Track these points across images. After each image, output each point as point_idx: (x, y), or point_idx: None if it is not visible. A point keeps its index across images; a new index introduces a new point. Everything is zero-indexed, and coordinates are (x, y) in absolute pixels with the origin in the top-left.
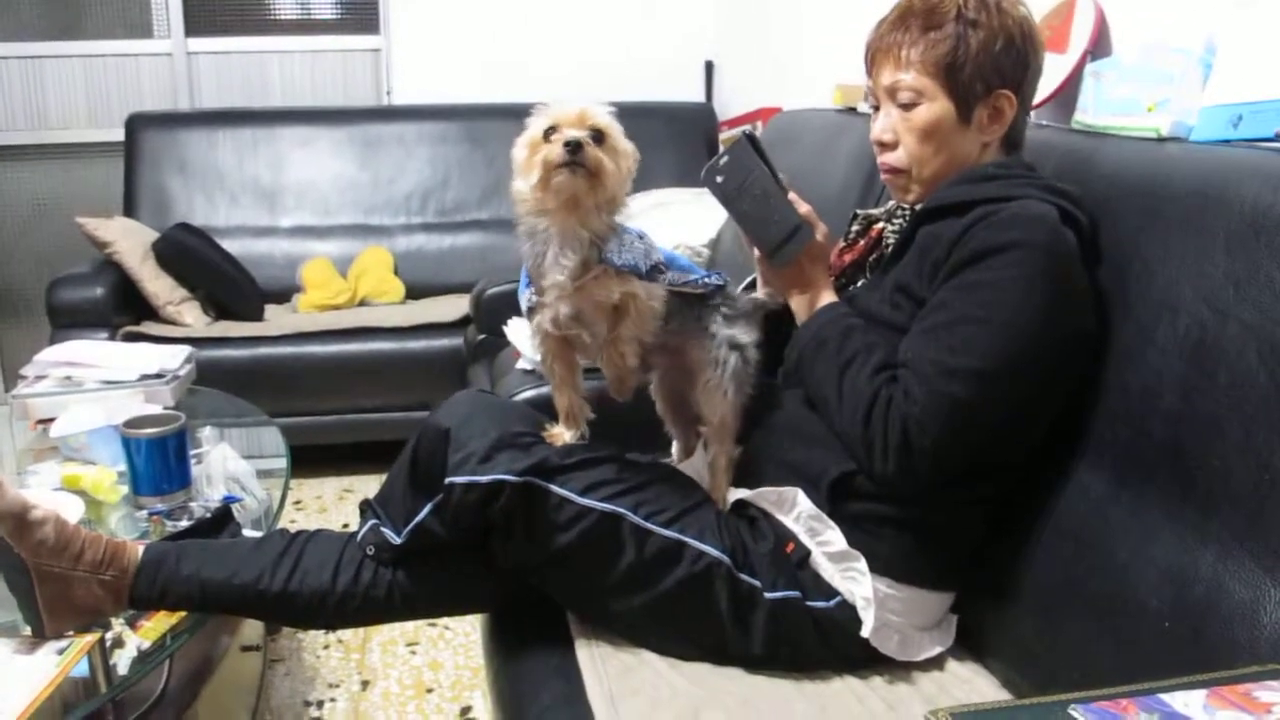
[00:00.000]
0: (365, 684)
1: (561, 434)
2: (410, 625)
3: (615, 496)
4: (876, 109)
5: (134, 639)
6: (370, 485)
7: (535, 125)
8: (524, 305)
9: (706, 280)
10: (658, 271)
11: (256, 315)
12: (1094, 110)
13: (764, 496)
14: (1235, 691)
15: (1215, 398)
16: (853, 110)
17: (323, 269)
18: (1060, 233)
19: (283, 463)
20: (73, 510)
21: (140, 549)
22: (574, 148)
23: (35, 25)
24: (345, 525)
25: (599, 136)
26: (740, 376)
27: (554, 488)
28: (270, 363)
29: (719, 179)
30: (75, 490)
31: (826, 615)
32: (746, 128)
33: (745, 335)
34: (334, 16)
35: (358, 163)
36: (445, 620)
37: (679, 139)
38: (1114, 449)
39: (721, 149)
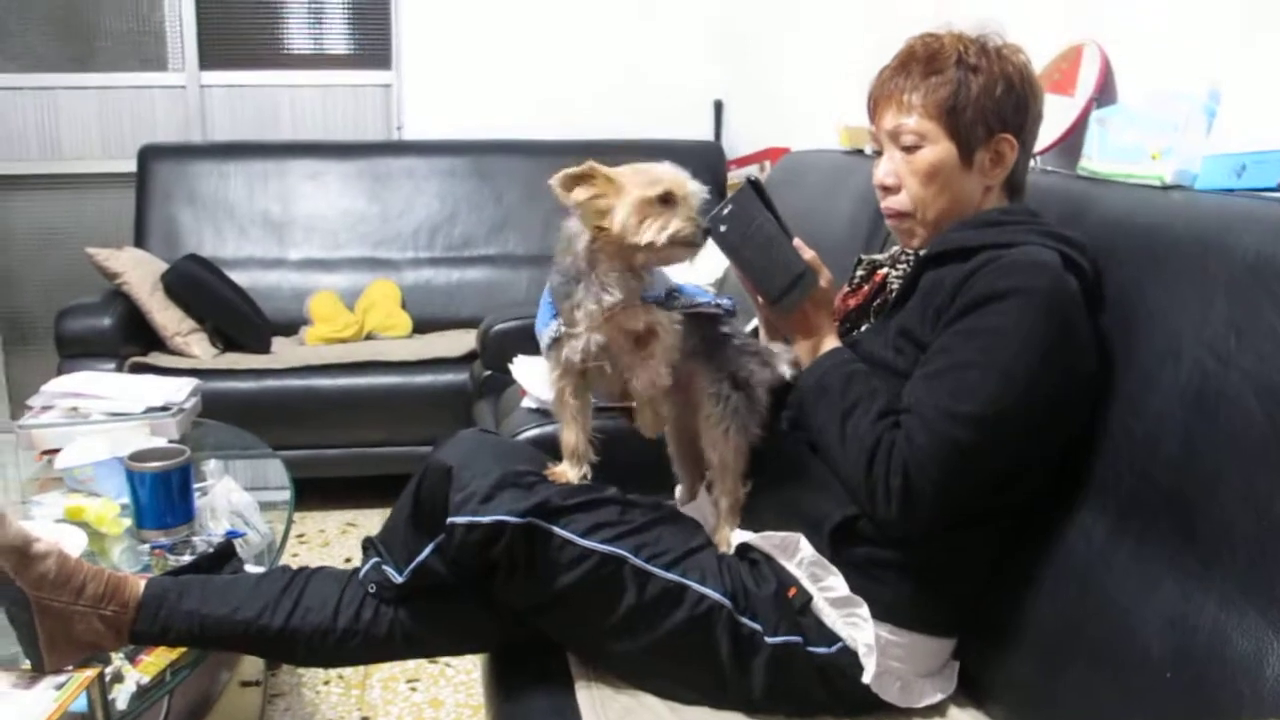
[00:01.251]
0: None
1: (565, 472)
2: (411, 662)
3: (617, 538)
4: (879, 154)
5: (134, 674)
6: (374, 519)
7: (639, 185)
8: (545, 339)
9: (717, 303)
10: (672, 298)
11: (263, 347)
12: (1099, 157)
13: (767, 540)
14: None
15: (1217, 445)
16: (859, 152)
17: (330, 302)
18: (1063, 279)
19: (286, 495)
20: (75, 543)
21: (141, 584)
22: (705, 232)
23: (50, 57)
24: (348, 560)
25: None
26: (743, 416)
27: (556, 529)
28: (276, 395)
29: (722, 229)
30: (78, 522)
31: (828, 661)
32: (750, 174)
33: (753, 376)
34: (346, 52)
35: (367, 196)
36: (446, 658)
37: None
38: (1117, 494)
39: (727, 194)
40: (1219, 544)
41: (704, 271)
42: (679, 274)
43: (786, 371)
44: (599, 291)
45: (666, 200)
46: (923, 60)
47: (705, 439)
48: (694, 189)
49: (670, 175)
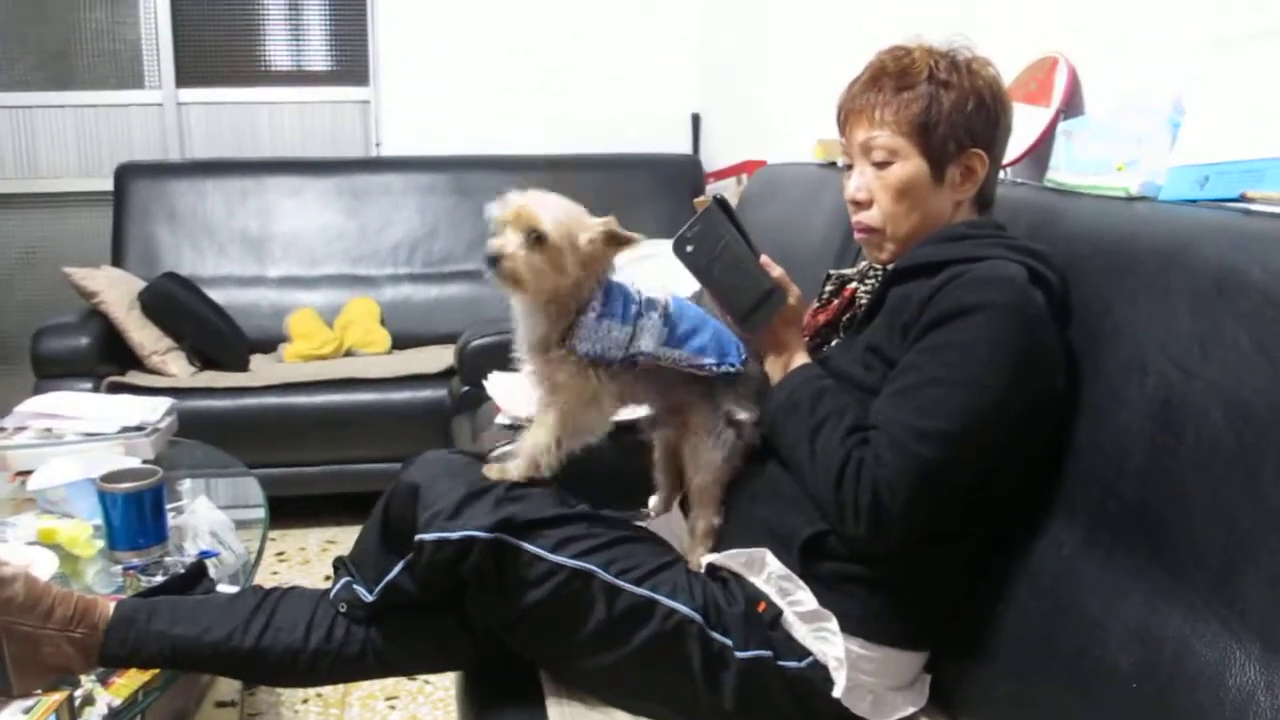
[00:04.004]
0: None
1: (506, 471)
2: (389, 680)
3: (586, 554)
4: (849, 168)
5: (105, 696)
6: (353, 537)
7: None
8: None
9: (714, 367)
10: (636, 358)
11: (242, 365)
12: (1066, 168)
13: (733, 559)
14: None
15: (1182, 457)
16: (833, 165)
17: (309, 319)
18: (1029, 293)
19: (261, 514)
20: (45, 566)
21: (111, 606)
22: (492, 261)
23: (28, 76)
24: (327, 577)
25: (539, 236)
26: (732, 450)
27: (524, 544)
28: (255, 413)
29: (689, 249)
30: (51, 544)
31: (798, 675)
32: (716, 193)
33: (745, 412)
34: (324, 69)
35: (345, 213)
36: (424, 675)
37: (666, 190)
38: (1085, 506)
39: (695, 213)
40: (1185, 556)
41: (681, 285)
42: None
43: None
44: (524, 331)
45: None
46: (894, 75)
47: (691, 465)
48: (513, 215)
49: (504, 205)
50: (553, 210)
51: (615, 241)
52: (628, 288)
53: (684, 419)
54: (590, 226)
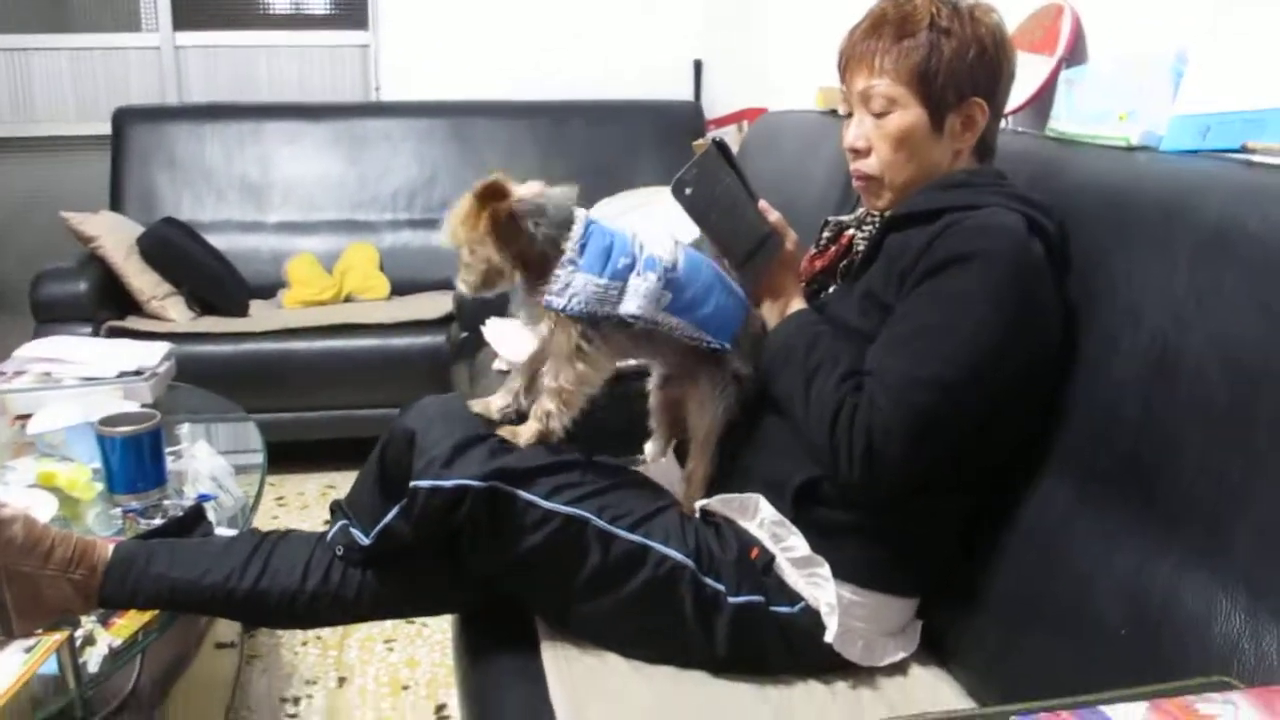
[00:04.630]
0: (342, 680)
1: (518, 434)
2: (388, 623)
3: (580, 500)
4: (849, 115)
5: (106, 637)
6: (352, 482)
7: None
8: None
9: (709, 343)
10: (628, 320)
11: (241, 311)
12: (1067, 118)
13: (727, 504)
14: (1177, 704)
15: (1176, 411)
16: (834, 113)
17: (308, 265)
18: (1027, 242)
19: (260, 458)
20: (45, 509)
21: (110, 548)
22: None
23: (22, 17)
24: (326, 522)
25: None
26: (732, 400)
27: (519, 492)
28: (254, 359)
29: (688, 190)
30: (50, 488)
31: (790, 620)
32: (715, 135)
33: (746, 367)
34: (323, 12)
35: (345, 159)
36: (422, 618)
37: (666, 137)
38: (1079, 459)
39: (694, 156)
40: (1176, 507)
41: (680, 231)
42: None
43: None
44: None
45: None
46: (895, 22)
47: (695, 416)
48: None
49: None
50: (448, 225)
51: (490, 197)
52: (624, 239)
53: (693, 379)
54: (466, 210)
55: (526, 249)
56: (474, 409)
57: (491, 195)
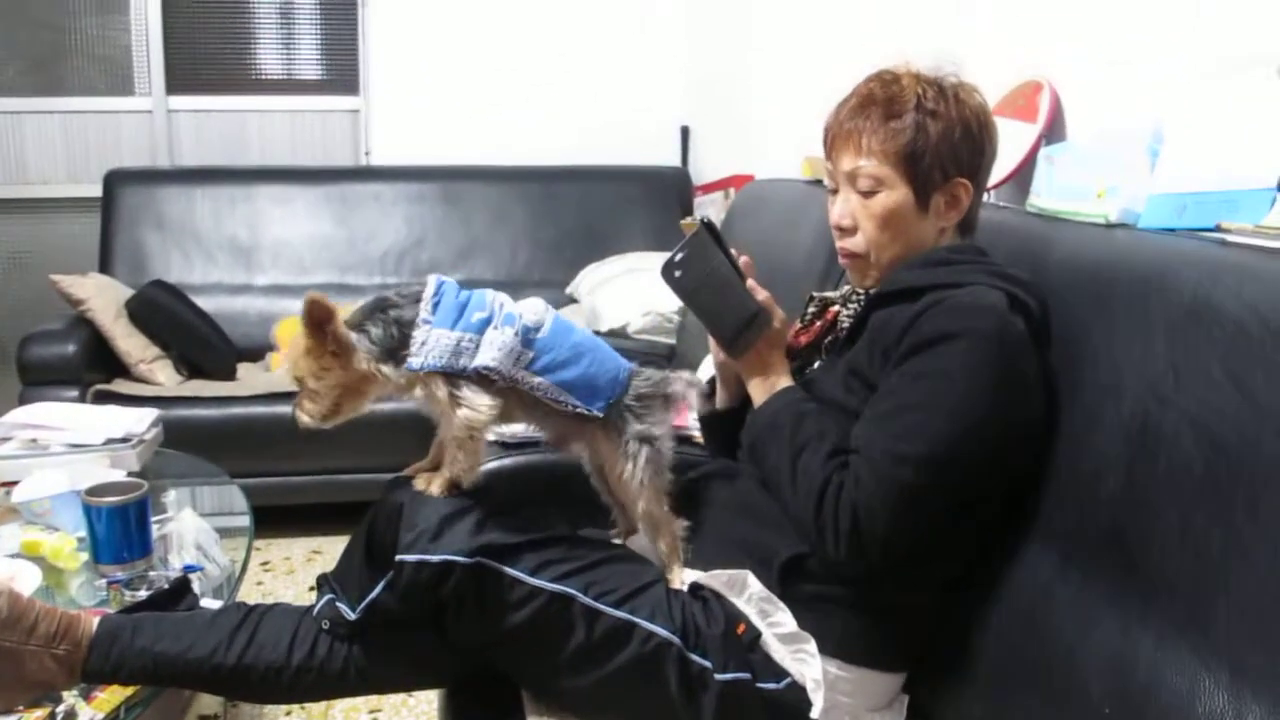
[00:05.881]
0: None
1: (431, 482)
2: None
3: (566, 576)
4: (834, 192)
5: (88, 711)
6: (339, 547)
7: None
8: None
9: (573, 406)
10: (461, 371)
11: (229, 374)
12: (1047, 194)
13: (715, 578)
14: None
15: (1155, 483)
16: (819, 183)
17: (297, 328)
18: (1009, 320)
19: (245, 520)
20: (29, 580)
21: (94, 622)
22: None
23: (15, 81)
24: (313, 589)
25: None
26: (655, 465)
27: (505, 568)
28: (241, 422)
29: (677, 274)
30: (34, 557)
31: (777, 697)
32: (703, 216)
33: (657, 428)
34: (315, 78)
35: (334, 222)
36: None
37: (654, 202)
38: (1062, 531)
39: (683, 235)
40: (1157, 582)
41: (669, 298)
42: (644, 303)
43: (694, 401)
44: None
45: None
46: (882, 103)
47: (623, 495)
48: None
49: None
50: (288, 353)
51: (321, 320)
52: (482, 296)
53: (594, 452)
54: (304, 343)
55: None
56: (417, 486)
57: (321, 318)
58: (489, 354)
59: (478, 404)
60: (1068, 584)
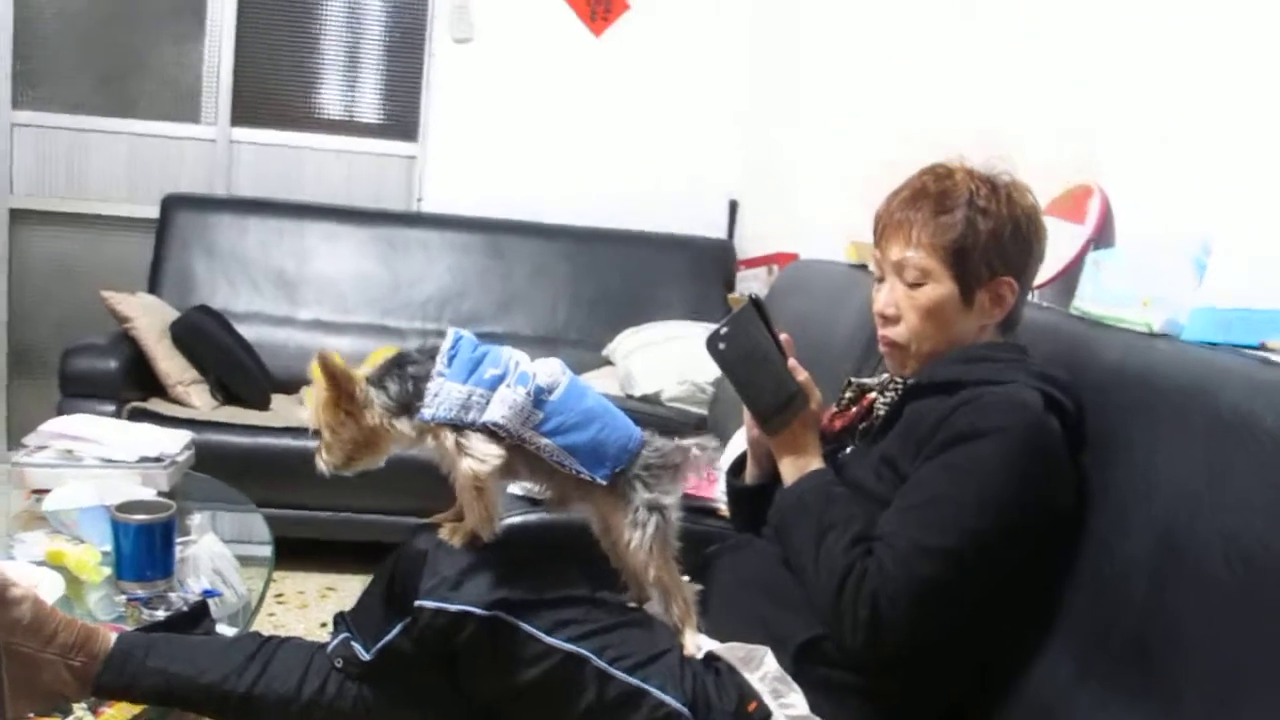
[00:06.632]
0: None
1: (455, 532)
2: None
3: (581, 638)
4: (881, 280)
5: None
6: (353, 585)
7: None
8: None
9: (577, 470)
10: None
11: (263, 403)
12: (1092, 299)
13: (732, 651)
14: None
15: (1183, 594)
16: (864, 267)
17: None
18: (1044, 420)
19: (267, 551)
20: (52, 588)
21: (112, 637)
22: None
23: (87, 99)
24: (324, 625)
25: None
26: (663, 534)
27: (521, 624)
28: (269, 453)
29: (721, 346)
30: (57, 566)
31: None
32: (752, 293)
33: (666, 496)
34: (375, 121)
35: (380, 263)
36: None
37: (697, 273)
38: (1085, 632)
39: (730, 310)
40: (1179, 693)
41: (707, 368)
42: (681, 371)
43: (699, 460)
44: None
45: None
46: (934, 196)
47: (632, 564)
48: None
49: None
50: (309, 409)
51: (335, 381)
52: (498, 354)
53: (597, 514)
54: (325, 396)
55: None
56: (441, 535)
57: (340, 374)
58: (498, 411)
59: (483, 454)
60: (1088, 686)
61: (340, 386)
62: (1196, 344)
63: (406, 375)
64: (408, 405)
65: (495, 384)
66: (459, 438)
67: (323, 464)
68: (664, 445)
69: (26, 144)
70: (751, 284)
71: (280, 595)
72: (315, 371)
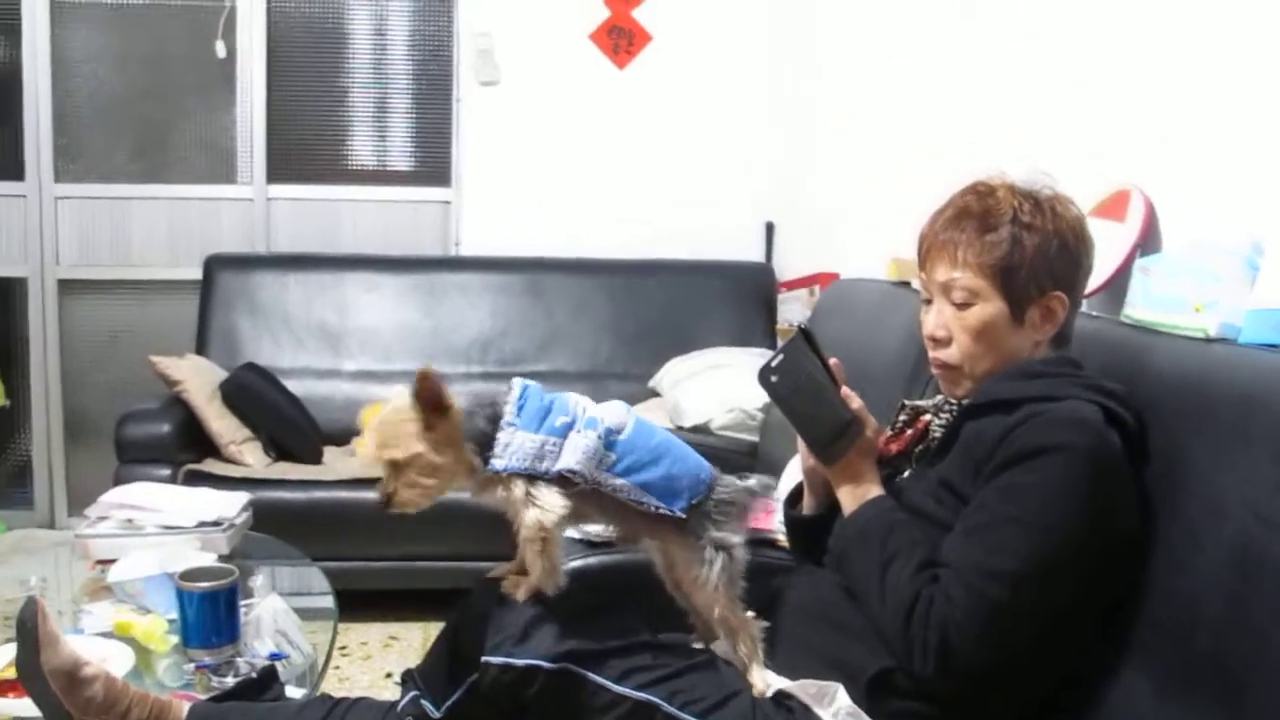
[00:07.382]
0: None
1: (518, 585)
2: None
3: (651, 685)
4: (928, 302)
5: None
6: (416, 634)
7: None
8: None
9: (654, 507)
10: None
11: (315, 458)
12: (1142, 305)
13: (804, 689)
14: None
15: (1262, 610)
16: (906, 284)
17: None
18: (1105, 435)
19: (328, 601)
20: (122, 661)
21: (185, 709)
22: (385, 504)
23: (126, 168)
24: (389, 675)
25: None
26: (730, 573)
27: (590, 675)
28: (325, 506)
29: (774, 379)
30: (126, 638)
31: None
32: (802, 323)
33: (734, 535)
34: (408, 169)
35: (421, 310)
36: None
37: (738, 298)
38: (1160, 653)
39: (778, 339)
40: (1265, 711)
41: (753, 394)
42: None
43: (761, 500)
44: None
45: None
46: (978, 215)
47: (698, 600)
48: (373, 454)
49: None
50: (379, 434)
51: (432, 404)
52: (564, 401)
53: (664, 550)
54: (404, 417)
55: (462, 459)
56: (506, 589)
57: (437, 399)
58: (572, 457)
59: (550, 504)
60: (1164, 708)
61: (439, 405)
62: (1255, 347)
63: (489, 417)
64: (480, 451)
65: (565, 431)
66: (530, 488)
67: (405, 506)
68: (732, 481)
69: (70, 216)
70: (794, 306)
71: (344, 647)
72: (368, 416)
